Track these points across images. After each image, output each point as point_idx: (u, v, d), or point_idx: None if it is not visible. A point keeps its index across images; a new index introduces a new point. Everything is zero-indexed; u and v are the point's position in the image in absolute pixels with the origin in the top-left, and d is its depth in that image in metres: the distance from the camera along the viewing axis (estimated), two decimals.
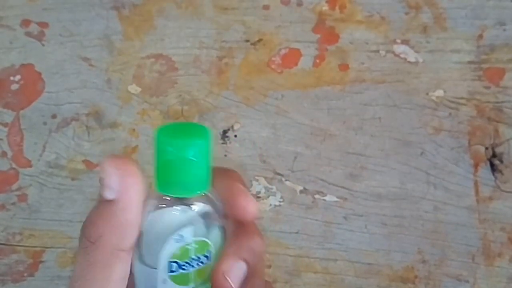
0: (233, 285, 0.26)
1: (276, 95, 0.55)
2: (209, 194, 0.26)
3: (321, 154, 0.55)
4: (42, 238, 0.57)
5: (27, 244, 0.57)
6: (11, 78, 0.55)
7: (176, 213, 0.25)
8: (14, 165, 0.56)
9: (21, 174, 0.56)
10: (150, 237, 0.25)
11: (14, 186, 0.56)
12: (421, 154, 0.54)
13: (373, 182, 0.55)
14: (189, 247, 0.25)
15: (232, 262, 0.26)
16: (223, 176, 0.27)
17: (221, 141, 0.55)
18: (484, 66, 0.53)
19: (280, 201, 0.56)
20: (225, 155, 0.55)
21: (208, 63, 0.55)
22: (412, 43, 0.53)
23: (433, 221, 0.55)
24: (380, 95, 0.54)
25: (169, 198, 0.25)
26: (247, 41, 0.55)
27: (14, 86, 0.55)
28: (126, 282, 0.24)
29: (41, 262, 0.57)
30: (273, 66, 0.55)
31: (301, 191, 0.55)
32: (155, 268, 0.25)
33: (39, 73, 0.55)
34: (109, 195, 0.24)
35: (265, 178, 0.55)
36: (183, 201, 0.25)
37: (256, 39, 0.54)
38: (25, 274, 0.57)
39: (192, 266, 0.25)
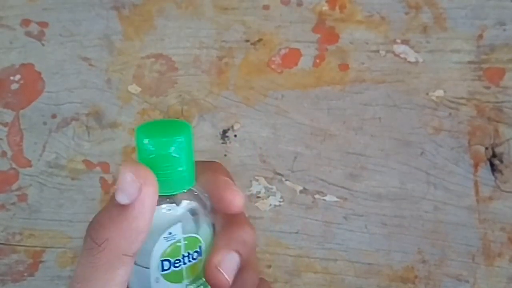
0: (227, 277, 0.26)
1: (276, 95, 0.55)
2: (195, 190, 0.26)
3: (321, 154, 0.55)
4: (42, 238, 0.57)
5: (27, 244, 0.57)
6: (11, 78, 0.55)
7: (164, 211, 0.25)
8: (14, 165, 0.56)
9: (21, 174, 0.56)
10: None
11: (14, 186, 0.56)
12: (421, 154, 0.54)
13: (373, 182, 0.55)
14: (179, 244, 0.25)
15: (224, 254, 0.26)
16: (206, 169, 0.27)
17: (221, 141, 0.55)
18: (484, 66, 0.53)
19: (280, 201, 0.56)
20: (225, 155, 0.55)
21: (208, 63, 0.55)
22: (412, 43, 0.53)
23: (433, 221, 0.54)
24: (380, 95, 0.54)
25: None
26: (247, 41, 0.55)
27: (14, 86, 0.55)
28: (126, 286, 0.24)
29: (41, 262, 0.57)
30: (273, 66, 0.55)
31: (301, 191, 0.55)
32: (147, 268, 0.25)
33: (39, 73, 0.55)
34: (123, 200, 0.23)
35: (265, 178, 0.55)
36: (170, 199, 0.25)
37: (256, 39, 0.54)
38: (25, 274, 0.57)
39: (184, 262, 0.25)
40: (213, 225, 0.27)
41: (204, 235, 0.26)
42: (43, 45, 0.55)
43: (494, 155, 0.53)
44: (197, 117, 0.55)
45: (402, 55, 0.54)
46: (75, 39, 0.55)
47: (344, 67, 0.54)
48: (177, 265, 0.25)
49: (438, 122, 0.54)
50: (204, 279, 0.26)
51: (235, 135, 0.55)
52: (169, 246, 0.25)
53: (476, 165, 0.54)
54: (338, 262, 0.56)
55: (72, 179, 0.56)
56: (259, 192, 0.56)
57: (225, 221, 0.27)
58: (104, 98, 0.55)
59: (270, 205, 0.56)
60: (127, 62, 0.55)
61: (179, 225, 0.25)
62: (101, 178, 0.56)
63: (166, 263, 0.25)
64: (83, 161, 0.56)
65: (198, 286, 0.26)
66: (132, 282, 0.26)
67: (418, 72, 0.53)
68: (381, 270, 0.55)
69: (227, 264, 0.26)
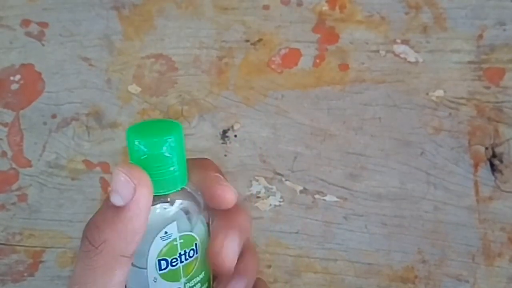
0: (230, 260, 0.26)
1: (276, 95, 0.55)
2: (188, 188, 0.26)
3: (321, 154, 0.55)
4: (42, 238, 0.57)
5: (27, 244, 0.57)
6: (11, 78, 0.55)
7: (158, 211, 0.25)
8: (14, 165, 0.56)
9: (21, 174, 0.56)
10: None
11: (14, 186, 0.56)
12: (421, 154, 0.54)
13: (373, 182, 0.55)
14: (175, 243, 0.25)
15: (224, 239, 0.26)
16: (197, 167, 0.27)
17: (221, 141, 0.55)
18: (484, 66, 0.53)
19: (280, 201, 0.56)
20: (225, 155, 0.55)
21: (208, 63, 0.55)
22: (412, 43, 0.53)
23: (433, 221, 0.54)
24: (380, 95, 0.54)
25: None
26: (247, 41, 0.55)
27: (14, 86, 0.55)
28: (124, 286, 0.24)
29: (41, 262, 0.57)
30: (273, 66, 0.55)
31: (301, 191, 0.55)
32: (145, 268, 0.25)
33: (39, 73, 0.55)
34: (118, 201, 0.23)
35: (265, 178, 0.55)
36: (164, 198, 0.25)
37: (256, 39, 0.54)
38: (25, 274, 0.57)
39: (181, 261, 0.25)
40: (208, 223, 0.27)
41: (199, 232, 0.26)
42: (43, 45, 0.55)
43: (494, 155, 0.53)
44: (197, 117, 0.55)
45: (402, 55, 0.54)
46: (75, 39, 0.55)
47: (344, 67, 0.54)
48: (174, 263, 0.25)
49: (438, 122, 0.54)
50: (201, 276, 0.26)
51: (235, 135, 0.55)
52: (165, 246, 0.25)
53: (476, 165, 0.54)
54: (338, 262, 0.56)
55: (72, 179, 0.56)
56: (259, 192, 0.56)
57: (220, 211, 0.28)
58: (104, 98, 0.55)
59: (270, 205, 0.56)
60: (127, 62, 0.55)
61: (174, 224, 0.25)
62: (101, 178, 0.56)
63: (163, 262, 0.25)
64: (83, 161, 0.56)
65: (196, 283, 0.26)
66: (130, 284, 0.26)
67: (418, 72, 0.53)
68: (381, 270, 0.55)
69: (229, 248, 0.26)
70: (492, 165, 0.53)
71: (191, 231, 0.26)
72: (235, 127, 0.55)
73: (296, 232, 0.56)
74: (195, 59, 0.55)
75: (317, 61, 0.54)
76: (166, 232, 0.25)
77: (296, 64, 0.54)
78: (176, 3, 0.54)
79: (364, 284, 0.55)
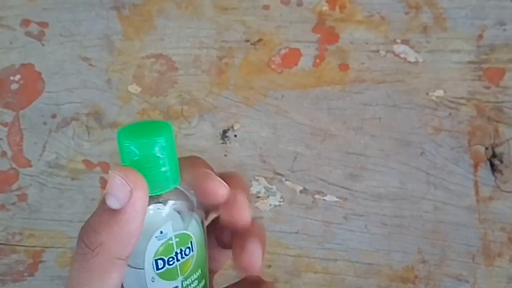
0: (246, 210, 0.26)
1: (276, 95, 0.55)
2: (181, 188, 0.26)
3: (321, 154, 0.55)
4: (42, 238, 0.57)
5: (27, 244, 0.57)
6: (11, 78, 0.55)
7: (152, 212, 0.25)
8: (14, 165, 0.56)
9: (21, 174, 0.56)
10: None
11: (14, 186, 0.56)
12: (421, 154, 0.54)
13: (373, 182, 0.55)
14: (171, 242, 0.25)
15: (237, 194, 0.27)
16: (187, 165, 0.28)
17: (221, 141, 0.55)
18: (484, 66, 0.53)
19: (280, 201, 0.56)
20: (225, 155, 0.55)
21: (208, 63, 0.55)
22: (412, 43, 0.53)
23: (433, 221, 0.54)
24: (380, 95, 0.54)
25: None
26: (247, 41, 0.55)
27: (14, 86, 0.55)
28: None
29: (41, 262, 0.57)
30: (273, 66, 0.55)
31: (301, 191, 0.55)
32: (142, 269, 0.25)
33: (39, 73, 0.55)
34: (114, 204, 0.23)
35: (265, 178, 0.55)
36: (157, 199, 0.25)
37: (256, 39, 0.54)
38: (25, 274, 0.57)
39: (178, 259, 0.26)
40: (202, 221, 0.27)
41: (194, 231, 0.26)
42: (43, 45, 0.55)
43: (494, 155, 0.53)
44: (197, 117, 0.55)
45: (402, 55, 0.54)
46: (75, 39, 0.55)
47: (344, 67, 0.54)
48: (171, 262, 0.25)
49: (438, 122, 0.54)
50: (198, 273, 0.27)
51: (235, 135, 0.55)
52: (161, 245, 0.25)
53: (476, 165, 0.54)
54: (338, 262, 0.56)
55: (72, 179, 0.56)
56: (259, 192, 0.56)
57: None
58: (104, 98, 0.55)
59: (270, 205, 0.56)
60: (127, 62, 0.55)
61: (169, 223, 0.25)
62: (101, 178, 0.56)
63: (160, 262, 0.25)
64: (83, 161, 0.56)
65: (193, 281, 0.27)
66: (129, 285, 0.26)
67: (418, 72, 0.53)
68: (381, 270, 0.55)
69: (243, 201, 0.27)
70: (492, 165, 0.53)
71: (186, 230, 0.26)
72: (235, 127, 0.55)
73: (296, 232, 0.56)
74: (195, 59, 0.55)
75: (317, 61, 0.54)
76: (161, 232, 0.25)
77: (296, 64, 0.54)
78: (176, 3, 0.54)
79: (364, 284, 0.55)
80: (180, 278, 0.26)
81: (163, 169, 0.25)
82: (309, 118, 0.55)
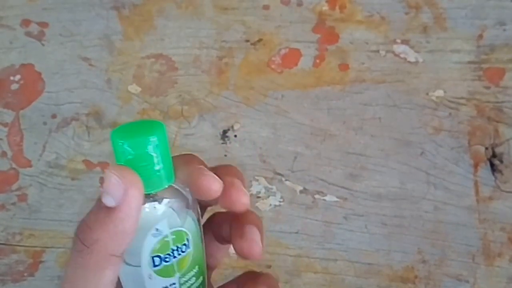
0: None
1: (276, 95, 0.55)
2: (175, 185, 0.27)
3: (321, 154, 0.55)
4: (42, 238, 0.57)
5: (27, 244, 0.57)
6: (11, 78, 0.55)
7: (147, 210, 0.26)
8: (14, 165, 0.56)
9: (21, 174, 0.56)
10: None
11: (14, 186, 0.56)
12: (421, 154, 0.54)
13: (373, 182, 0.55)
14: (167, 239, 0.26)
15: (231, 181, 0.27)
16: (181, 163, 0.28)
17: (221, 141, 0.55)
18: (484, 66, 0.53)
19: (280, 201, 0.56)
20: (225, 155, 0.55)
21: (208, 63, 0.55)
22: (412, 43, 0.53)
23: (433, 221, 0.54)
24: (380, 95, 0.54)
25: None
26: (247, 41, 0.55)
27: (14, 86, 0.55)
28: (115, 285, 0.25)
29: (41, 262, 0.57)
30: (273, 66, 0.55)
31: (301, 191, 0.55)
32: (139, 266, 0.25)
33: (39, 73, 0.55)
34: (109, 202, 0.24)
35: (265, 178, 0.55)
36: (152, 197, 0.26)
37: (256, 39, 0.54)
38: (25, 274, 0.57)
39: (174, 256, 0.26)
40: (198, 218, 0.27)
41: (190, 228, 0.27)
42: (43, 45, 0.55)
43: (494, 155, 0.53)
44: (197, 117, 0.55)
45: (402, 55, 0.54)
46: (75, 39, 0.55)
47: (344, 67, 0.54)
48: (167, 259, 0.26)
49: (438, 122, 0.54)
50: (195, 270, 0.27)
51: (235, 135, 0.55)
52: (157, 242, 0.25)
53: (476, 165, 0.54)
54: (338, 262, 0.56)
55: (72, 179, 0.56)
56: (259, 192, 0.56)
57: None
58: (104, 98, 0.55)
59: (270, 205, 0.56)
60: (127, 62, 0.55)
61: (164, 221, 0.26)
62: (101, 178, 0.56)
63: (156, 259, 0.25)
64: (83, 161, 0.56)
65: (191, 277, 0.27)
66: (126, 283, 0.26)
67: (418, 72, 0.53)
68: (381, 270, 0.55)
69: (237, 185, 0.27)
70: (492, 165, 0.53)
71: (181, 227, 0.26)
72: (235, 127, 0.55)
73: (296, 232, 0.56)
74: (195, 59, 0.55)
75: (317, 61, 0.54)
76: (157, 229, 0.25)
77: (296, 64, 0.54)
78: (176, 3, 0.54)
79: (364, 284, 0.55)
80: (177, 275, 0.26)
81: (157, 167, 0.25)
82: (309, 118, 0.55)
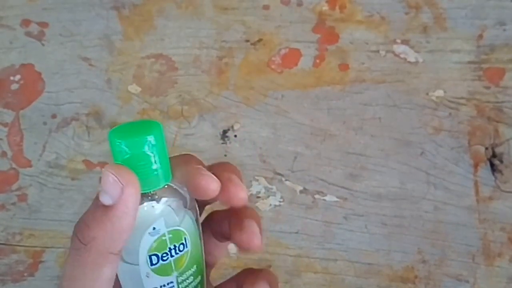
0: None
1: (276, 95, 0.55)
2: (173, 185, 0.27)
3: (321, 154, 0.55)
4: (42, 238, 0.57)
5: (27, 244, 0.57)
6: (11, 78, 0.55)
7: (145, 209, 0.26)
8: (14, 165, 0.56)
9: (21, 174, 0.56)
10: None
11: (14, 186, 0.56)
12: (421, 154, 0.54)
13: (373, 182, 0.55)
14: (164, 238, 0.26)
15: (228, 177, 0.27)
16: (179, 163, 0.28)
17: (221, 141, 0.55)
18: (484, 66, 0.53)
19: (280, 201, 0.56)
20: (225, 155, 0.55)
21: (208, 63, 0.55)
22: (412, 43, 0.53)
23: (433, 221, 0.54)
24: (380, 95, 0.54)
25: None
26: (247, 41, 0.55)
27: (14, 86, 0.55)
28: (113, 283, 0.25)
29: (41, 262, 0.57)
30: (273, 66, 0.55)
31: (301, 191, 0.55)
32: (137, 265, 0.25)
33: (39, 73, 0.55)
34: (106, 201, 0.24)
35: (265, 178, 0.55)
36: (150, 196, 0.26)
37: (256, 39, 0.54)
38: (25, 274, 0.57)
39: (171, 255, 0.26)
40: (196, 217, 0.28)
41: (187, 227, 0.27)
42: (43, 45, 0.55)
43: (494, 155, 0.53)
44: (197, 117, 0.55)
45: (402, 55, 0.54)
46: (75, 39, 0.55)
47: (344, 67, 0.54)
48: (165, 258, 0.26)
49: (438, 122, 0.54)
50: (193, 269, 0.27)
51: (235, 135, 0.55)
52: (155, 241, 0.26)
53: (476, 165, 0.54)
54: (338, 262, 0.56)
55: (72, 179, 0.56)
56: (259, 192, 0.56)
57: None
58: (104, 98, 0.55)
59: (270, 205, 0.56)
60: (127, 62, 0.55)
61: (162, 219, 0.26)
62: (101, 178, 0.56)
63: (154, 257, 0.26)
64: (83, 161, 0.56)
65: (188, 277, 0.27)
66: (125, 281, 0.26)
67: (418, 72, 0.53)
68: (381, 270, 0.55)
69: (233, 178, 0.28)
70: (492, 165, 0.53)
71: (179, 226, 0.26)
72: (235, 127, 0.55)
73: (296, 232, 0.56)
74: (195, 59, 0.55)
75: (317, 61, 0.54)
76: (154, 228, 0.26)
77: (296, 64, 0.54)
78: (176, 3, 0.54)
79: (364, 284, 0.55)
80: (175, 273, 0.26)
81: (154, 166, 0.25)
82: (309, 118, 0.55)
